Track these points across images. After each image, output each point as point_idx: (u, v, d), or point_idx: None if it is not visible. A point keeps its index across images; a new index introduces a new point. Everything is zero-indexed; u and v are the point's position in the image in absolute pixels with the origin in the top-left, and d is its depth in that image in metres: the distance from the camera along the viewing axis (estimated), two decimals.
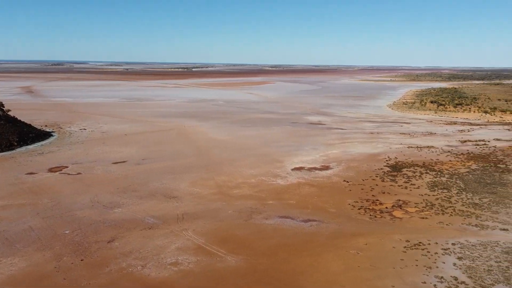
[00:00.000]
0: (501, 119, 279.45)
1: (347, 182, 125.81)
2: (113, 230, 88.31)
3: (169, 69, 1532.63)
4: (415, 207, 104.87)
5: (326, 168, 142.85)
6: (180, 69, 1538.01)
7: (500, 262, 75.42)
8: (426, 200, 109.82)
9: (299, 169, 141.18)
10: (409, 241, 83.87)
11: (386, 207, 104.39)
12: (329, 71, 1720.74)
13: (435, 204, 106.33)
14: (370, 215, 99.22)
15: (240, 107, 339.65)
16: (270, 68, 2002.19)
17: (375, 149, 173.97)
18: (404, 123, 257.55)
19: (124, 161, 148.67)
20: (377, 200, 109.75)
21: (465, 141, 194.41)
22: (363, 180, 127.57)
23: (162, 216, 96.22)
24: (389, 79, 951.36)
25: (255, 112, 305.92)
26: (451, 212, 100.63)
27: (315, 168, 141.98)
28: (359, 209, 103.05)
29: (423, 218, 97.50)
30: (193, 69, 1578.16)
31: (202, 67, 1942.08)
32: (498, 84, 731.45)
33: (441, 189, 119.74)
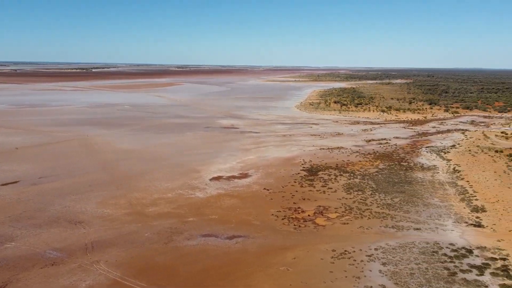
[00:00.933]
0: (396, 117, 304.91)
1: (268, 190, 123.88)
2: (5, 272, 74.11)
3: (65, 70, 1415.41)
4: (336, 212, 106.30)
5: (245, 176, 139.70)
6: (78, 70, 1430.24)
7: (419, 264, 78.56)
8: (345, 204, 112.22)
9: (218, 178, 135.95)
10: (335, 251, 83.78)
11: (309, 215, 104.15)
12: (235, 71, 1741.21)
13: (353, 208, 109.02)
14: (294, 225, 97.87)
15: (149, 111, 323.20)
16: (177, 69, 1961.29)
17: (290, 153, 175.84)
18: (313, 124, 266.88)
19: (16, 182, 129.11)
20: (299, 207, 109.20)
21: (369, 141, 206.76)
22: (283, 187, 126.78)
23: (67, 248, 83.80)
24: (294, 79, 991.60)
25: (165, 117, 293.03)
26: (369, 215, 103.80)
27: (234, 177, 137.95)
28: (282, 219, 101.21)
29: (344, 223, 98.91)
30: (93, 70, 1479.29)
31: (103, 68, 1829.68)
32: (388, 83, 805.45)
33: (356, 191, 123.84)
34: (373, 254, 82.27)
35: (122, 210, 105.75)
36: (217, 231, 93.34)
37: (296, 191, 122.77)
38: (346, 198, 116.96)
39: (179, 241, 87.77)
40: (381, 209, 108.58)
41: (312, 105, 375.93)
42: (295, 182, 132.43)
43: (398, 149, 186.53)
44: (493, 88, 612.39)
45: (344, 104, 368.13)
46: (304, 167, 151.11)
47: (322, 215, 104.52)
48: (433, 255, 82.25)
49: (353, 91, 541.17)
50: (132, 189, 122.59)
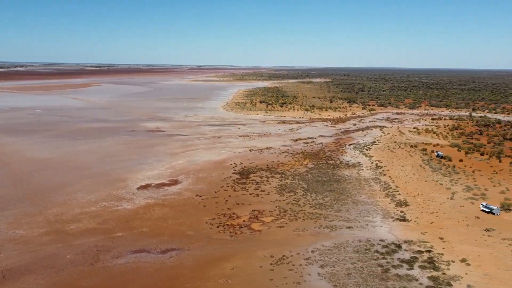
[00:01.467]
0: (320, 116, 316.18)
1: (200, 196, 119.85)
2: None
3: None
4: (271, 215, 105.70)
5: (175, 182, 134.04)
6: None
7: (355, 263, 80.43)
8: (279, 206, 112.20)
9: (146, 187, 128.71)
10: (273, 256, 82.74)
11: (244, 221, 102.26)
12: (157, 71, 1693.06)
13: (287, 210, 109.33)
14: (230, 232, 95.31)
15: (65, 115, 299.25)
16: (93, 68, 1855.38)
17: (220, 155, 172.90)
18: (241, 124, 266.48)
19: None
20: (234, 213, 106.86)
21: (297, 140, 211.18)
22: (215, 192, 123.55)
23: None
24: (218, 79, 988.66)
25: (84, 121, 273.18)
26: (303, 217, 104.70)
27: (163, 184, 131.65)
28: (218, 227, 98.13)
29: (280, 227, 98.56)
30: None
31: (9, 67, 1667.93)
32: (309, 82, 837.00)
33: (288, 192, 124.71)
34: (310, 257, 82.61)
35: (39, 229, 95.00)
36: (149, 245, 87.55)
37: (230, 196, 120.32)
38: (280, 200, 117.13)
39: (107, 260, 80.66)
40: (314, 209, 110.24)
41: (239, 105, 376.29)
42: (227, 186, 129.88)
43: (324, 148, 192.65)
44: (402, 86, 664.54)
45: (269, 104, 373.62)
46: (235, 170, 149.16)
47: (258, 219, 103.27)
48: (366, 253, 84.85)
49: (277, 91, 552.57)
50: (49, 205, 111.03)
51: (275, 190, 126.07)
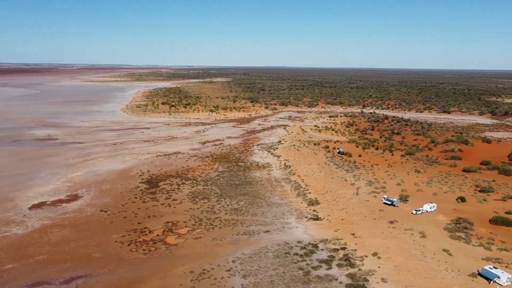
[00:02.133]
0: (225, 116, 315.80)
1: (105, 212, 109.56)
2: None
3: None
4: (186, 226, 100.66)
5: (75, 198, 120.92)
6: None
7: (276, 268, 79.81)
8: (193, 215, 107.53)
9: (40, 206, 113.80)
10: (193, 272, 78.29)
11: (158, 235, 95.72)
12: (44, 70, 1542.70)
13: (202, 219, 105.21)
14: (144, 249, 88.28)
15: None
16: None
17: (124, 164, 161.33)
18: (144, 128, 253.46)
19: None
20: (146, 228, 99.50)
21: (204, 143, 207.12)
22: (122, 206, 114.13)
23: None
24: (114, 79, 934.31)
25: None
26: (220, 224, 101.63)
27: (61, 201, 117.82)
28: (129, 244, 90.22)
29: (197, 238, 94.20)
30: None
31: None
32: (211, 82, 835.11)
33: (202, 199, 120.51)
34: (232, 268, 79.93)
35: None
36: (49, 275, 76.64)
37: (139, 208, 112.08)
38: (194, 209, 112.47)
39: None
40: (230, 215, 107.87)
41: (140, 107, 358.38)
42: (136, 197, 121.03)
43: (233, 149, 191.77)
44: (299, 85, 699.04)
45: (173, 105, 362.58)
46: (143, 179, 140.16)
47: (172, 232, 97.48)
48: (286, 256, 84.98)
49: (179, 91, 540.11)
50: None
51: (187, 198, 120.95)
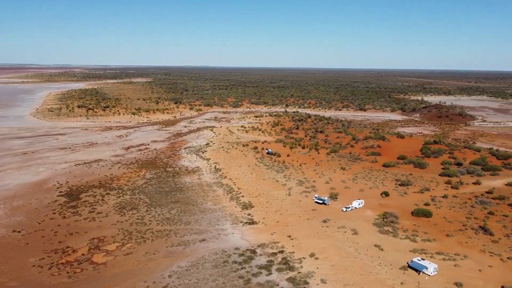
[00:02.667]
0: (148, 119, 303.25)
1: (19, 232, 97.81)
2: None
3: None
4: (114, 242, 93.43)
5: None
6: None
7: (216, 279, 76.97)
8: (122, 229, 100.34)
9: None
10: None
11: (83, 254, 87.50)
12: None
13: (132, 232, 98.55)
14: (68, 272, 79.97)
15: None
16: None
17: (38, 175, 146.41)
18: (59, 134, 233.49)
19: None
20: (68, 247, 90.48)
21: (128, 148, 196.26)
22: (39, 224, 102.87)
23: None
24: (20, 80, 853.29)
25: None
26: (152, 237, 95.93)
27: None
28: (50, 268, 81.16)
29: (128, 254, 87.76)
30: None
31: None
32: (130, 82, 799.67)
33: (130, 210, 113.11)
34: (168, 284, 75.47)
35: None
36: None
37: (59, 225, 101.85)
38: (122, 221, 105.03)
39: None
40: (162, 225, 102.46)
41: (52, 111, 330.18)
42: (54, 213, 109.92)
43: (159, 154, 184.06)
44: (223, 85, 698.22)
45: (90, 108, 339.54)
46: (61, 192, 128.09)
47: (99, 249, 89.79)
48: (225, 265, 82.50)
49: (96, 93, 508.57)
50: None
51: (114, 210, 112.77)
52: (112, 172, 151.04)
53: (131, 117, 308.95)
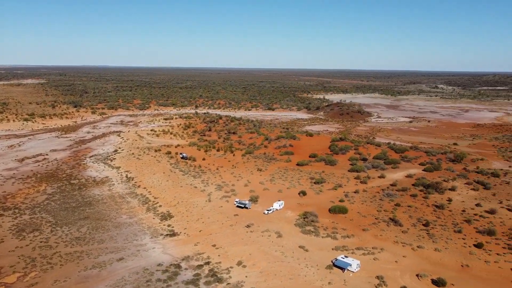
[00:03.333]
0: (44, 125, 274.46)
1: None
2: None
3: None
4: (14, 272, 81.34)
5: None
6: None
7: None
8: (22, 255, 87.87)
9: None
10: None
11: None
12: None
13: (36, 258, 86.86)
14: None
15: None
16: None
17: None
18: None
19: None
20: None
21: (23, 159, 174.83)
22: None
23: None
24: None
25: None
26: (60, 261, 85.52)
27: None
28: None
29: (32, 285, 76.87)
30: None
31: None
32: (19, 84, 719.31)
33: (31, 232, 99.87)
34: None
35: None
36: None
37: None
38: (22, 247, 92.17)
39: None
40: (71, 247, 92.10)
41: None
42: None
43: (61, 165, 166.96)
44: (126, 86, 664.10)
45: None
46: None
47: None
48: (148, 285, 76.57)
49: None
50: None
51: (11, 234, 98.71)
52: (4, 189, 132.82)
53: (23, 124, 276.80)
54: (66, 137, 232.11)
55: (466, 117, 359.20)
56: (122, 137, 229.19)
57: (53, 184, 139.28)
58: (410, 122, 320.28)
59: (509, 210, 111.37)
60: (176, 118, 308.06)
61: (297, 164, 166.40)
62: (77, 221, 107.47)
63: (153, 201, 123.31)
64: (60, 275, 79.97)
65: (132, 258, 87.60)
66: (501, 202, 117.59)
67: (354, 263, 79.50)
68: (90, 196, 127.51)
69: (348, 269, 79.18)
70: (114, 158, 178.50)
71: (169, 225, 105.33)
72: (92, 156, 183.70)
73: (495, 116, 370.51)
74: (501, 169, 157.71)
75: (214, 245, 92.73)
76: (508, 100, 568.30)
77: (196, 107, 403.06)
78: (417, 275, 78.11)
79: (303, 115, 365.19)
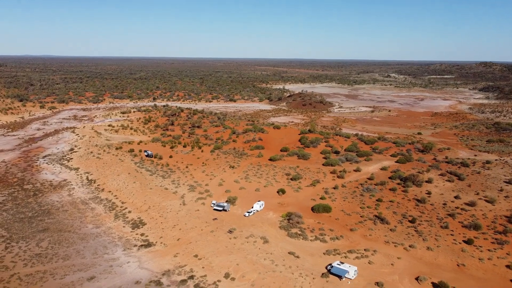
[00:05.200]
0: None
1: None
2: None
3: None
4: None
5: None
6: None
7: None
8: None
9: None
10: None
11: None
12: None
13: None
14: None
15: None
16: None
17: None
18: None
19: None
20: None
21: None
22: None
23: None
24: None
25: None
26: (20, 285, 74.18)
27: None
28: None
29: None
30: None
31: None
32: None
33: None
34: None
35: None
36: None
37: None
38: None
39: None
40: (31, 267, 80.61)
41: None
42: None
43: (10, 167, 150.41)
44: (76, 77, 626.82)
45: None
46: None
47: None
48: None
49: None
50: None
51: None
52: None
53: None
54: (13, 135, 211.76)
55: (423, 106, 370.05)
56: (78, 134, 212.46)
57: (3, 191, 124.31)
58: (372, 111, 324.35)
59: (487, 201, 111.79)
60: (134, 111, 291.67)
61: (270, 160, 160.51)
62: (36, 234, 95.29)
63: (121, 207, 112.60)
64: None
65: (105, 275, 77.87)
66: (478, 194, 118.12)
67: (351, 270, 74.82)
68: (48, 204, 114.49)
69: (345, 277, 74.36)
70: (71, 158, 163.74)
71: (142, 234, 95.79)
72: (45, 156, 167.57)
73: (449, 104, 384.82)
74: (469, 158, 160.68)
75: (196, 256, 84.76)
76: (457, 88, 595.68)
77: (154, 99, 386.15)
78: (416, 279, 74.81)
79: (265, 106, 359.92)
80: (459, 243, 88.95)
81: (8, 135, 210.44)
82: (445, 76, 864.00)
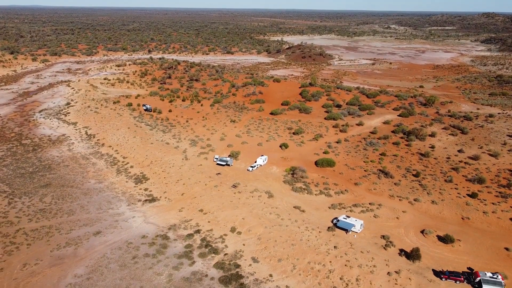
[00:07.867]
0: None
1: None
2: None
3: None
4: None
5: None
6: None
7: (130, 284, 62.69)
8: None
9: None
10: None
11: None
12: None
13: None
14: None
15: None
16: None
17: None
18: None
19: None
20: None
21: None
22: None
23: None
24: None
25: None
26: (26, 240, 74.08)
27: None
28: None
29: None
30: None
31: None
32: None
33: None
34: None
35: None
36: None
37: None
38: None
39: None
40: (37, 221, 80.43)
41: None
42: None
43: (7, 122, 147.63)
44: (68, 29, 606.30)
45: None
46: None
47: None
48: (136, 262, 68.08)
49: None
50: None
51: None
52: None
53: None
54: (7, 89, 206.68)
55: (424, 58, 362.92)
56: (73, 88, 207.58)
57: (1, 146, 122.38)
58: (373, 64, 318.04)
59: (490, 155, 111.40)
60: (129, 64, 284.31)
61: (271, 113, 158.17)
62: (38, 189, 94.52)
63: (123, 162, 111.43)
64: (29, 257, 69.21)
65: (111, 230, 77.89)
66: (481, 147, 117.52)
67: (357, 224, 75.04)
68: (48, 159, 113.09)
69: (352, 230, 74.69)
70: (68, 112, 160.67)
71: (146, 189, 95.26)
72: (42, 110, 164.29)
73: (450, 57, 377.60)
74: (471, 112, 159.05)
75: (201, 210, 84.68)
76: (459, 40, 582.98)
77: (150, 51, 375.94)
78: (421, 232, 75.29)
79: (264, 58, 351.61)
80: (463, 196, 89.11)
81: (2, 89, 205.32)
82: (447, 28, 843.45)
